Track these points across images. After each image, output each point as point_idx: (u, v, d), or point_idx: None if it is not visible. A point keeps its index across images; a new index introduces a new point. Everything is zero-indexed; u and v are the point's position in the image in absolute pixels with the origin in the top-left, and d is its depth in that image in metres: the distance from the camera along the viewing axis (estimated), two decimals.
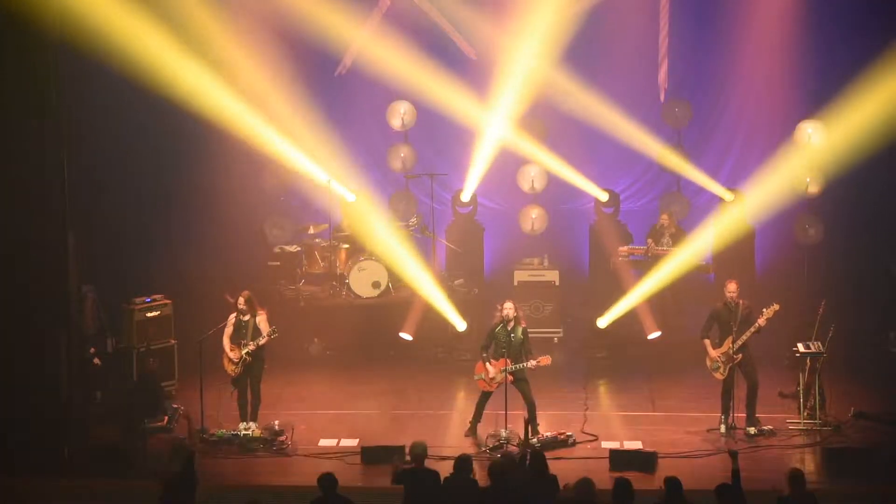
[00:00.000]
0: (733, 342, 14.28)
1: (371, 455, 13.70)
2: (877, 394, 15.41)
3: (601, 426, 14.78)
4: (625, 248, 18.34)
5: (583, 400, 15.69)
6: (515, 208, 20.14)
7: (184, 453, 11.60)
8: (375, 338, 17.95)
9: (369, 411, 15.57)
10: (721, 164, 20.60)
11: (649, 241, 17.97)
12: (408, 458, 12.33)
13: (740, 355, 14.31)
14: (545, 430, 14.27)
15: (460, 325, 17.48)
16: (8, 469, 13.45)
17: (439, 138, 20.75)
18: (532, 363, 14.20)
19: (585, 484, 10.80)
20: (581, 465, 13.40)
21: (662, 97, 20.44)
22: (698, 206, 20.24)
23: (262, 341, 14.46)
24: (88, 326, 15.67)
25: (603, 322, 17.65)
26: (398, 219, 19.40)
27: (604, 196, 19.29)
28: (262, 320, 14.55)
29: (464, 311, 17.63)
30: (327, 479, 11.08)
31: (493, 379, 14.32)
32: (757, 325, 14.21)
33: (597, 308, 17.86)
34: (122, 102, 16.97)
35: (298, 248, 19.07)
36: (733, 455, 11.15)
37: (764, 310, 14.25)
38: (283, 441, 14.25)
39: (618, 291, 17.73)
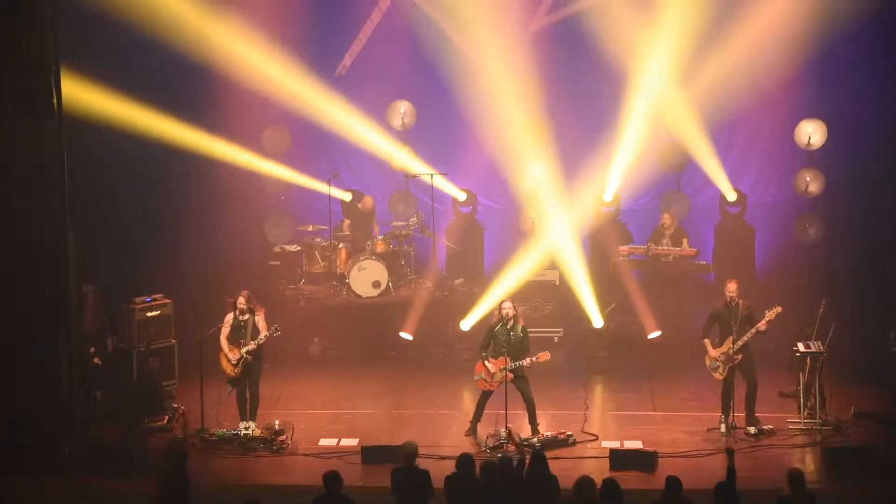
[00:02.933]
0: (733, 342, 14.27)
1: (371, 455, 13.69)
2: (877, 394, 15.40)
3: (601, 426, 14.80)
4: (625, 247, 18.33)
5: (583, 400, 15.68)
6: (515, 208, 20.11)
7: (177, 453, 11.56)
8: (375, 338, 17.93)
9: (369, 411, 15.56)
10: (721, 163, 20.55)
11: (650, 243, 18.00)
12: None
13: (741, 355, 14.30)
14: (545, 430, 14.28)
15: (465, 324, 17.44)
16: (8, 469, 13.44)
17: (440, 138, 20.70)
18: (531, 359, 14.20)
19: (587, 484, 10.73)
20: (581, 465, 13.42)
21: None
22: (698, 204, 20.25)
23: (262, 340, 14.48)
24: (89, 326, 15.67)
25: (598, 322, 17.62)
26: (398, 218, 19.40)
27: (608, 195, 19.28)
28: (260, 319, 14.56)
29: (465, 311, 17.63)
30: (332, 477, 11.07)
31: (493, 377, 14.32)
32: (758, 327, 14.20)
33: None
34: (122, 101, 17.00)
35: (298, 248, 19.05)
36: (729, 453, 11.18)
37: (766, 311, 14.23)
38: (283, 441, 14.25)
39: (618, 291, 17.74)
